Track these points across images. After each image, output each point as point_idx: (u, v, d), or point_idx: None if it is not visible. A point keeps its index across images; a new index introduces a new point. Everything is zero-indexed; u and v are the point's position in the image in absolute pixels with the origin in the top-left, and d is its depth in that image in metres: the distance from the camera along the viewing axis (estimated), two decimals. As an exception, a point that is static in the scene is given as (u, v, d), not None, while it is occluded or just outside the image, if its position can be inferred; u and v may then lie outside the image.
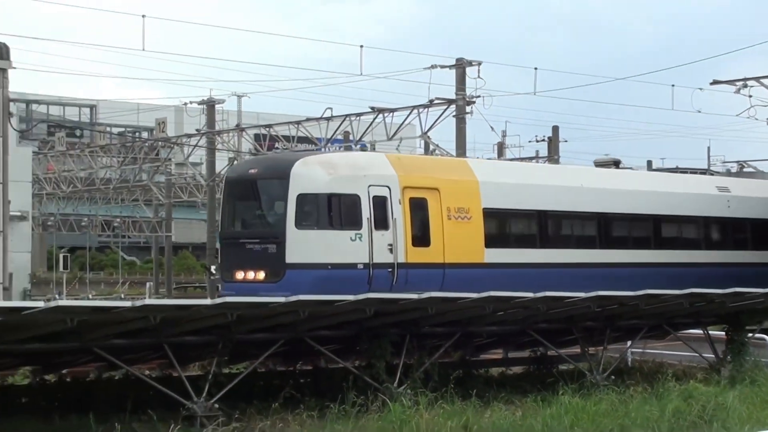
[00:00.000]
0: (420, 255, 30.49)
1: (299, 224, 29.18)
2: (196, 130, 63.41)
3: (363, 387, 23.32)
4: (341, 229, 29.52)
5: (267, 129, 59.19)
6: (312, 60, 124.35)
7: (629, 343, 32.01)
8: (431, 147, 47.81)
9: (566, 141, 70.48)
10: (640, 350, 33.64)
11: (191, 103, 67.23)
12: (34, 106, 59.22)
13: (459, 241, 31.45)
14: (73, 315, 20.29)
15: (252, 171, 31.50)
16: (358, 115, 52.22)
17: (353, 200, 29.65)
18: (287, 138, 56.22)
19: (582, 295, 26.44)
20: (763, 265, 38.94)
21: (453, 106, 50.81)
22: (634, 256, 36.58)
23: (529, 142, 75.53)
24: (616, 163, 43.85)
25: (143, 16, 67.87)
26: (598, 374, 27.57)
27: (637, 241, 37.66)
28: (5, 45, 39.49)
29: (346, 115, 52.52)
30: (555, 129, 67.98)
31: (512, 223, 34.35)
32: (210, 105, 64.16)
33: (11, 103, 40.72)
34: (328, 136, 51.81)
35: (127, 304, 20.33)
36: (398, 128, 50.75)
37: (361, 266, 29.20)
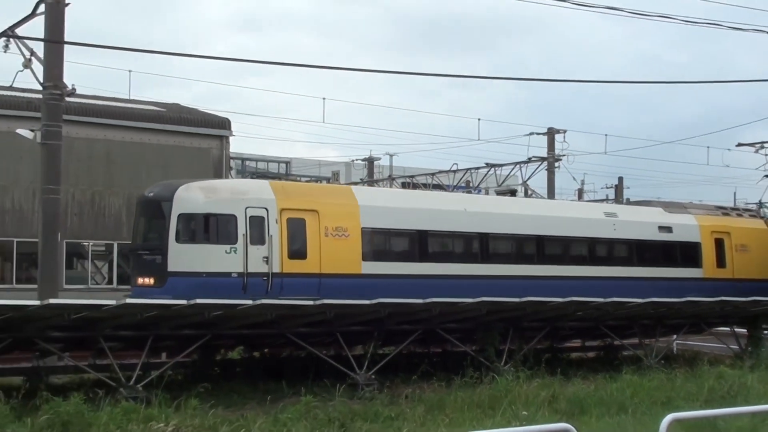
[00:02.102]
0: (296, 266, 26.45)
1: (179, 239, 25.67)
2: (360, 179, 63.71)
3: (478, 365, 23.16)
4: (217, 243, 25.87)
5: (410, 178, 59.07)
6: (443, 128, 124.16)
7: (675, 336, 31.44)
8: (529, 192, 47.25)
9: (629, 188, 68.94)
10: (683, 342, 32.99)
11: (357, 160, 67.73)
12: (247, 162, 59.92)
13: (336, 255, 27.15)
14: (273, 310, 20.52)
15: (150, 194, 27.58)
16: (476, 168, 52.02)
17: (229, 219, 26.00)
18: (425, 185, 56.07)
19: (640, 300, 26.08)
20: (644, 279, 33.58)
21: (545, 162, 50.63)
22: (516, 270, 30.86)
23: (601, 188, 74.05)
24: (512, 192, 39.01)
25: (323, 98, 68.35)
26: (651, 359, 27.09)
27: (520, 257, 31.63)
28: (228, 119, 40.06)
29: (467, 169, 52.42)
30: (620, 179, 66.92)
31: (390, 240, 29.23)
32: (370, 161, 64.48)
33: (231, 160, 41.29)
34: (454, 184, 51.57)
35: (310, 303, 20.45)
36: (505, 178, 50.30)
37: (235, 275, 25.50)
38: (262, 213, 26.15)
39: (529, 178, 48.16)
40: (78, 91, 22.77)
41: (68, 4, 21.46)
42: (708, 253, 35.82)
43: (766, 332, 31.19)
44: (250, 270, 25.46)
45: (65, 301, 18.56)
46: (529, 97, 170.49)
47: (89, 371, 20.62)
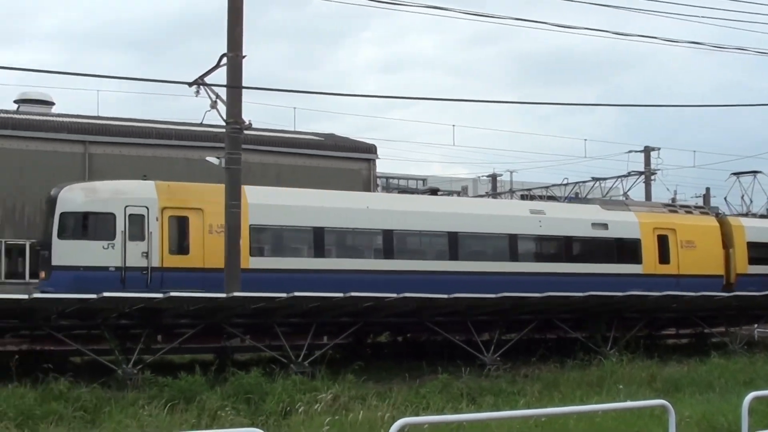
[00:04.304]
0: (178, 261, 24.16)
1: (61, 235, 23.73)
2: (486, 192, 63.62)
3: (587, 350, 23.01)
4: (95, 239, 23.77)
5: (527, 191, 58.73)
6: (556, 148, 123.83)
7: (756, 325, 30.69)
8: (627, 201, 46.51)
9: (715, 197, 66.66)
10: (763, 330, 32.04)
11: (482, 176, 67.69)
12: (390, 180, 60.50)
13: (221, 251, 23.48)
14: (413, 302, 20.75)
15: (48, 195, 25.30)
16: (584, 182, 51.49)
17: (108, 217, 23.89)
18: (541, 197, 55.58)
19: (725, 294, 25.59)
20: (574, 275, 29.09)
21: (642, 176, 49.85)
22: (425, 266, 27.19)
23: (691, 197, 71.78)
24: (433, 191, 32.98)
25: (453, 125, 68.49)
26: (736, 345, 26.53)
27: (429, 253, 27.98)
28: (374, 145, 40.56)
29: (576, 182, 51.95)
30: (707, 189, 65.33)
31: (282, 236, 26.07)
32: (494, 177, 64.34)
33: (377, 179, 41.81)
34: (565, 195, 51.04)
35: (444, 296, 20.64)
36: (608, 190, 49.63)
37: (113, 269, 23.44)
38: (142, 211, 24.14)
39: (629, 190, 47.39)
40: (253, 125, 23.41)
41: (245, 56, 22.15)
42: (649, 250, 31.56)
43: None
44: (128, 264, 23.63)
45: (246, 294, 19.14)
46: (629, 120, 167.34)
47: (265, 350, 21.22)
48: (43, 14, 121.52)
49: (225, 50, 22.20)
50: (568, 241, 30.20)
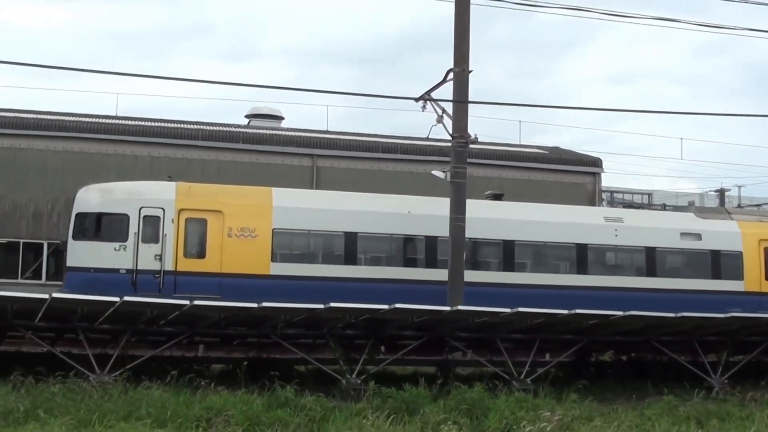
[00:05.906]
0: (193, 265, 23.07)
1: (75, 236, 23.15)
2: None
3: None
4: (106, 240, 23.03)
5: (756, 206, 55.79)
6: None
7: None
8: None
9: None
10: None
11: (710, 191, 65.26)
12: (614, 194, 59.05)
13: (241, 255, 23.22)
14: (640, 321, 20.17)
15: (74, 196, 24.72)
16: (818, 197, 48.64)
17: (121, 218, 23.10)
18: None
19: None
20: (656, 291, 26.14)
21: None
22: (474, 276, 24.33)
23: None
24: (497, 196, 28.75)
25: (681, 138, 66.05)
26: None
27: (479, 262, 25.40)
28: (599, 159, 39.81)
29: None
30: None
31: (310, 241, 24.47)
32: (721, 192, 61.86)
33: (602, 193, 41.01)
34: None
35: (671, 315, 19.85)
36: None
37: (123, 271, 22.65)
38: (158, 213, 23.34)
39: None
40: (478, 139, 23.44)
41: (471, 71, 22.25)
42: (752, 264, 27.48)
43: None
44: (140, 267, 22.92)
45: (470, 308, 19.10)
46: None
47: (487, 366, 21.10)
48: (274, 32, 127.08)
49: (450, 65, 22.45)
50: (650, 252, 26.96)
